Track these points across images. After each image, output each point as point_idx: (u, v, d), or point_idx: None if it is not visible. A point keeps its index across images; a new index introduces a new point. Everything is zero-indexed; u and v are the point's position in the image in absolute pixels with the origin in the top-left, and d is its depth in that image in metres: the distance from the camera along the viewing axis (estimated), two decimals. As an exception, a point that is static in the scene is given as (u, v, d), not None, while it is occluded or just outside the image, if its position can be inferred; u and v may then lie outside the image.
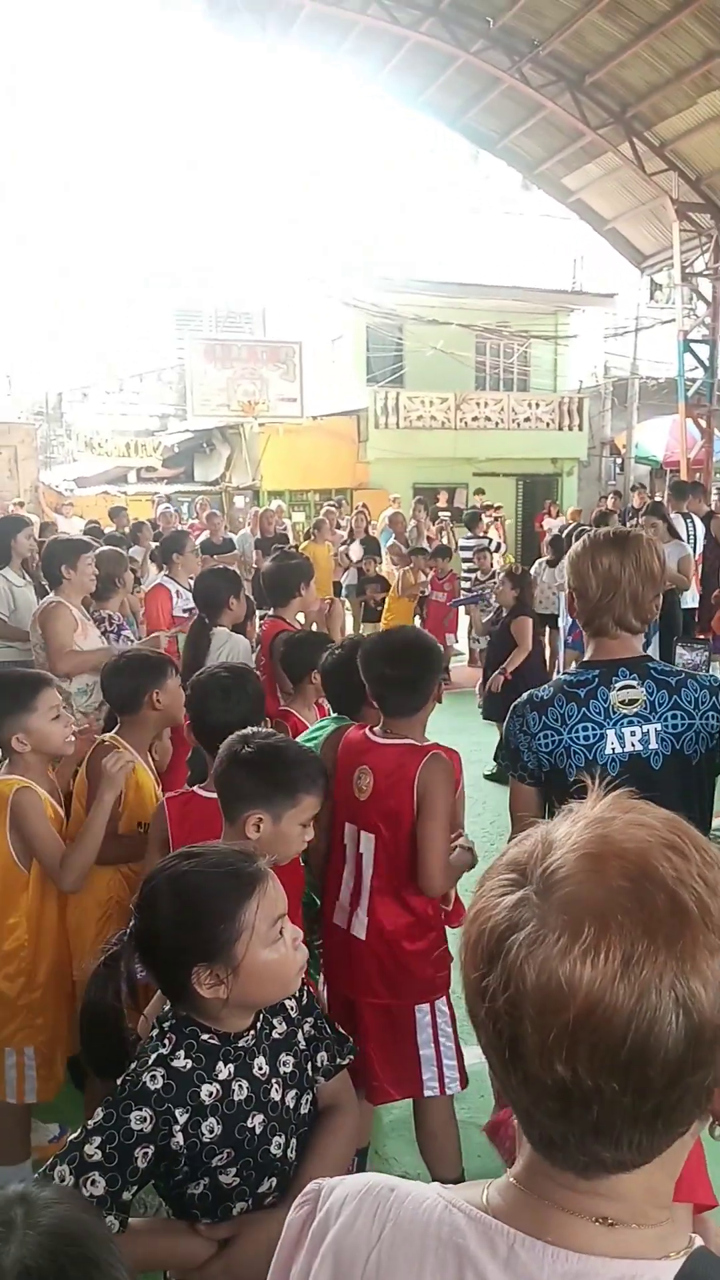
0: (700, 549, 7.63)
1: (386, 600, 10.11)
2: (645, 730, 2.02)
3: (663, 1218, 0.73)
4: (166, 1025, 1.50)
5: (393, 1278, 0.76)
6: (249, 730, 2.00)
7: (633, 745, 2.02)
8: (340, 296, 19.20)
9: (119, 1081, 1.44)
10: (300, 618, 4.95)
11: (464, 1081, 2.51)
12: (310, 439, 19.39)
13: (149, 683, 2.78)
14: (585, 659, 2.15)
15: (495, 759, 6.25)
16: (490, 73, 16.26)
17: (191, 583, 5.06)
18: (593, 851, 0.71)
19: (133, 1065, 1.46)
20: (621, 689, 2.04)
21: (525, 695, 2.13)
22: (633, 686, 2.04)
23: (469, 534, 10.92)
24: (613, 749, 2.02)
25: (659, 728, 2.02)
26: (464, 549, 10.64)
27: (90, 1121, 1.40)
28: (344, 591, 11.21)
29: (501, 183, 24.52)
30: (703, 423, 18.27)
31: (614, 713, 2.02)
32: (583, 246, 22.02)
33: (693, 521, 7.79)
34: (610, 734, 2.02)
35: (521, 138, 18.23)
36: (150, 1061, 1.44)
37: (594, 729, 2.02)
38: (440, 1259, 0.74)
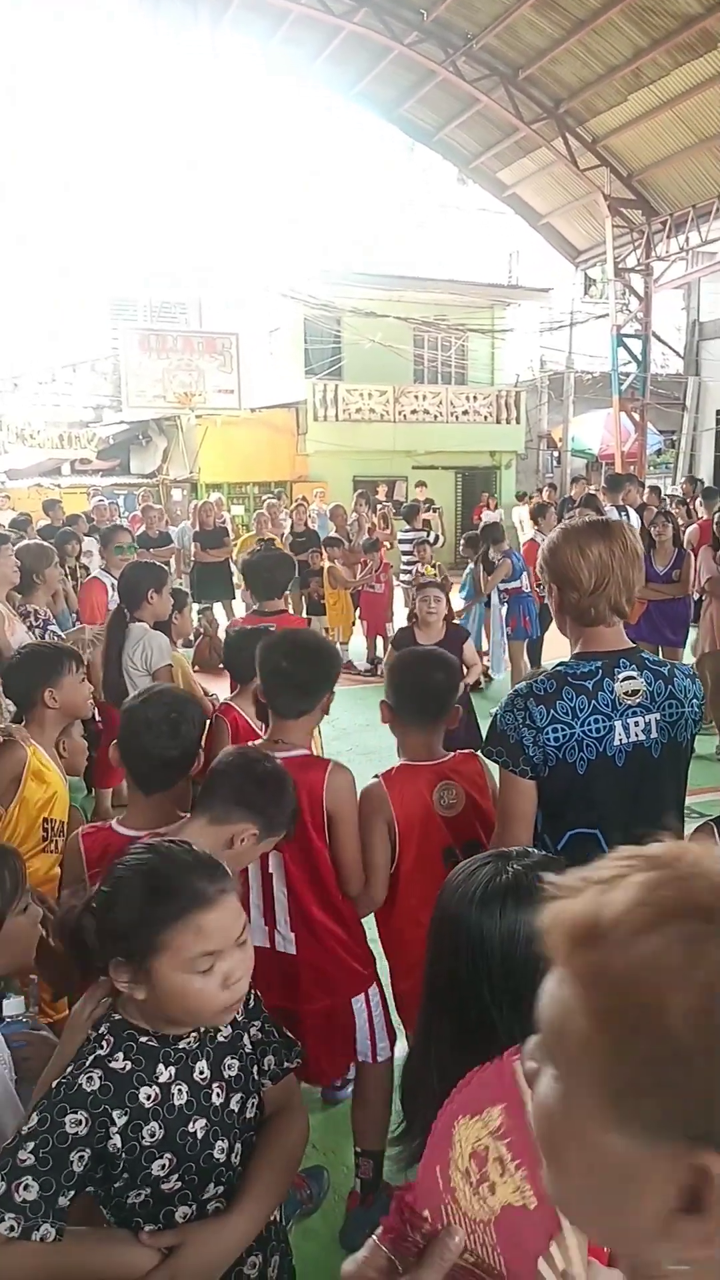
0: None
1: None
2: (647, 720, 2.05)
3: None
4: (104, 1028, 1.46)
5: None
6: (255, 747, 2.05)
7: (637, 735, 2.05)
8: (277, 288, 19.08)
9: (53, 1084, 1.40)
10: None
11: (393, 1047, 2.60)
12: (249, 431, 19.25)
13: (41, 679, 2.74)
14: (581, 650, 2.12)
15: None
16: (425, 65, 16.28)
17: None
18: None
19: (69, 1068, 1.42)
20: (625, 680, 2.05)
21: (524, 686, 2.09)
22: (634, 677, 2.06)
23: (407, 527, 10.95)
24: (620, 740, 2.03)
25: (658, 717, 2.06)
26: (403, 541, 10.67)
27: (24, 1126, 1.37)
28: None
29: (438, 177, 24.59)
30: (636, 416, 18.60)
31: (620, 704, 2.04)
32: (519, 241, 22.23)
33: (626, 513, 7.92)
34: (618, 725, 2.03)
35: (457, 131, 18.31)
36: (87, 1063, 1.41)
37: (604, 721, 2.03)
38: None
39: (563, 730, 2.01)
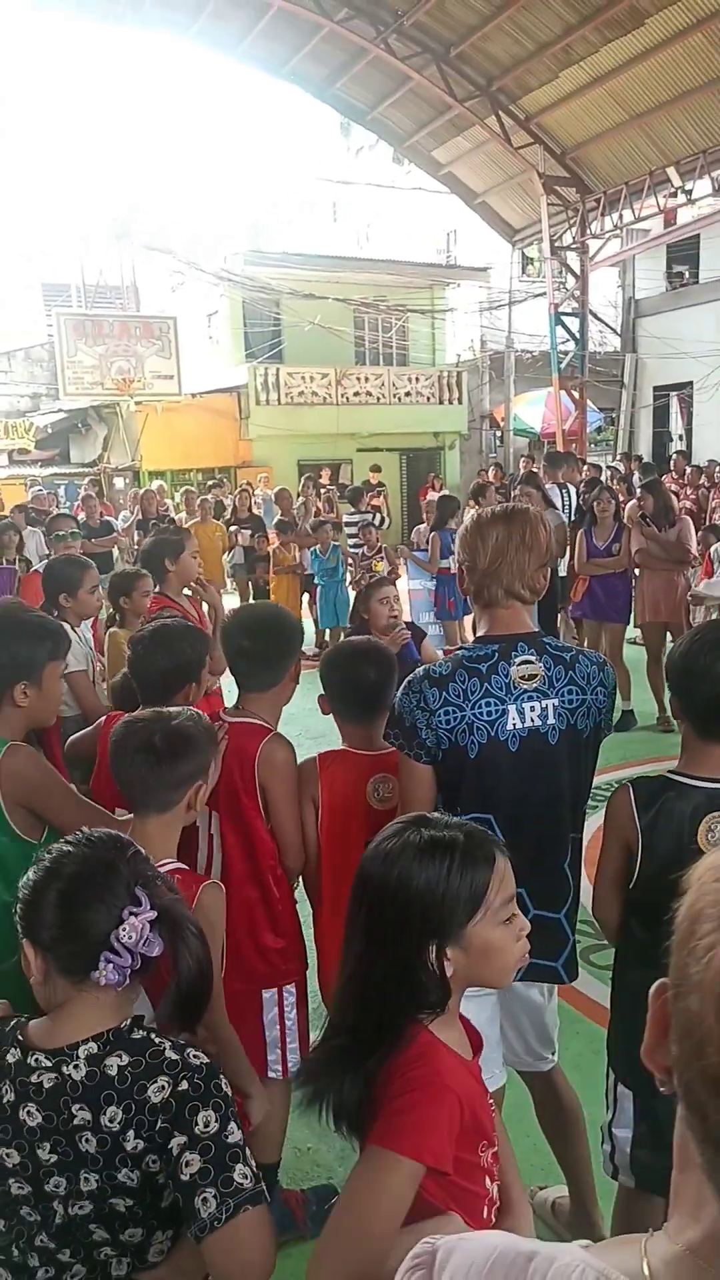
0: (573, 518, 7.83)
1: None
2: (544, 705, 2.05)
3: None
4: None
5: None
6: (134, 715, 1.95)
7: (532, 720, 2.04)
8: (213, 271, 18.84)
9: None
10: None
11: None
12: (190, 417, 19.02)
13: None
14: (481, 634, 2.15)
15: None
16: (356, 43, 16.11)
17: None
18: None
19: None
20: (521, 664, 2.05)
21: (422, 670, 2.11)
22: (531, 661, 2.06)
23: (352, 510, 10.93)
24: (513, 724, 2.03)
25: (556, 703, 2.05)
26: (348, 524, 10.64)
27: None
28: (232, 571, 11.08)
29: (375, 156, 24.44)
30: (575, 394, 18.74)
31: (515, 688, 2.04)
32: (457, 221, 22.20)
33: (567, 491, 7.98)
34: (511, 709, 2.03)
35: (390, 110, 18.17)
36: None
37: (496, 704, 2.03)
38: None
39: (454, 713, 2.01)
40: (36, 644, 2.25)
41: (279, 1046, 2.49)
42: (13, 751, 2.13)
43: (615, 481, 11.44)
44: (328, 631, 9.68)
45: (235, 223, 23.93)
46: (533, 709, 2.04)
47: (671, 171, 16.05)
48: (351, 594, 9.60)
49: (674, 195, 16.73)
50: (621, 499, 7.96)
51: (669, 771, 2.01)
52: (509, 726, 2.02)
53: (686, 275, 21.63)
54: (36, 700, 2.23)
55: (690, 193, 16.49)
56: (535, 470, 9.83)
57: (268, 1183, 2.56)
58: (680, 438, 20.96)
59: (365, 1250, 1.17)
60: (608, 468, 14.46)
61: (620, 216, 17.62)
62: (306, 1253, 2.45)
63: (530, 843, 2.01)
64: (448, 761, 2.05)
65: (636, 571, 7.11)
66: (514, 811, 2.02)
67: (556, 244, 18.09)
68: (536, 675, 2.05)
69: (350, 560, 9.87)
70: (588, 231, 18.04)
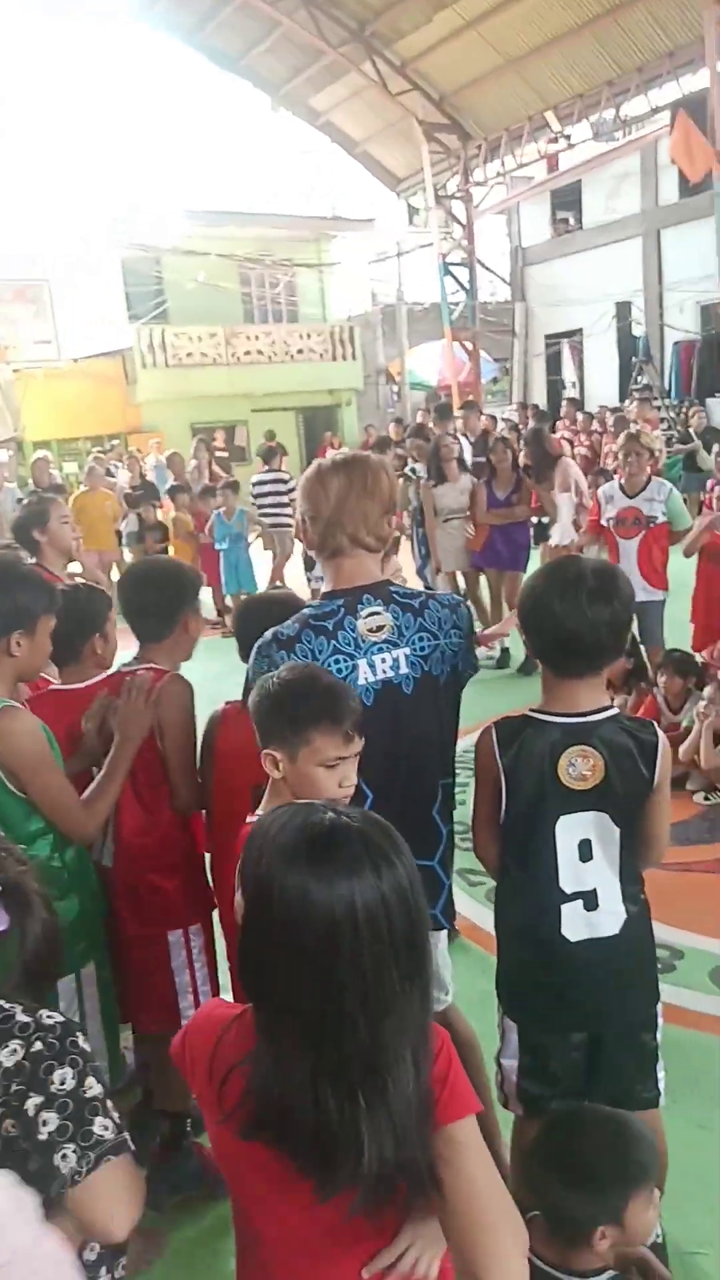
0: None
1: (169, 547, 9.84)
2: (395, 656, 2.02)
3: None
4: None
5: None
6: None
7: (384, 672, 2.02)
8: (87, 228, 18.12)
9: None
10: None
11: None
12: (74, 383, 18.37)
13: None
14: (326, 589, 2.11)
15: None
16: (222, -14, 15.60)
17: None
18: None
19: None
20: (368, 616, 2.01)
21: (270, 633, 2.06)
22: (379, 613, 2.02)
23: (266, 467, 10.53)
24: (365, 678, 2.00)
25: (408, 652, 2.02)
26: (260, 484, 10.32)
27: None
28: (124, 540, 10.79)
29: (252, 106, 23.78)
30: (469, 345, 18.76)
31: (363, 642, 2.00)
32: (342, 172, 21.86)
33: (460, 442, 8.00)
34: (362, 664, 2.00)
35: (263, 56, 17.66)
36: None
37: (345, 660, 1.99)
38: None
39: None
40: (35, 595, 2.27)
41: (190, 991, 2.50)
42: (11, 715, 2.14)
43: (508, 431, 11.50)
44: (228, 598, 9.53)
45: (112, 179, 23.06)
46: (384, 661, 2.01)
47: (550, 116, 16.06)
48: (256, 558, 9.47)
49: (554, 141, 16.76)
50: (517, 449, 8.01)
51: (529, 710, 2.02)
52: (361, 681, 1.99)
53: (571, 222, 21.76)
54: (29, 652, 2.23)
55: (569, 138, 16.55)
56: (423, 423, 9.81)
57: (177, 1132, 2.60)
58: (573, 385, 21.23)
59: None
60: (503, 419, 14.55)
61: (503, 163, 17.58)
62: (222, 1213, 2.33)
63: (398, 793, 2.01)
64: None
65: (535, 520, 7.22)
66: (381, 764, 2.00)
67: (441, 193, 17.95)
68: (385, 626, 2.01)
69: (257, 524, 9.70)
70: (471, 179, 17.96)
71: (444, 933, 2.34)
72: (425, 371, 21.54)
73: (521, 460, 7.68)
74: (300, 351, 20.29)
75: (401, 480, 8.26)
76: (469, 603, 3.34)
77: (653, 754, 1.92)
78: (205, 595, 9.36)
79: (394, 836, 1.15)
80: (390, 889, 1.09)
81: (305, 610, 2.08)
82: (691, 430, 13.25)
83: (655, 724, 2.03)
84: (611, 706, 1.98)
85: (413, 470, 7.63)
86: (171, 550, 10.07)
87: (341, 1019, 1.06)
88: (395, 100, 16.72)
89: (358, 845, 1.10)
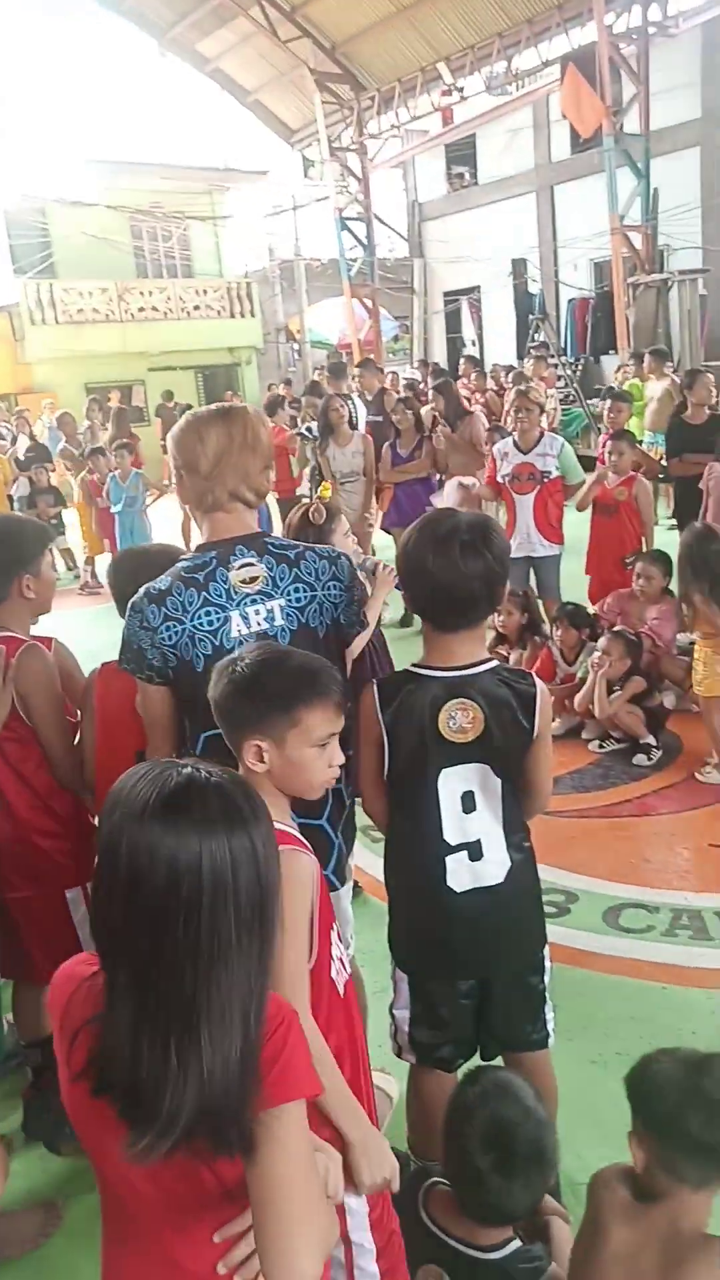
0: (362, 426, 7.80)
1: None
2: (269, 607, 1.97)
3: None
4: None
5: None
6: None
7: (258, 624, 1.97)
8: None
9: None
10: None
11: None
12: (-43, 341, 17.57)
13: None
14: (201, 542, 2.06)
15: None
16: None
17: None
18: None
19: None
20: (241, 567, 1.97)
21: (142, 590, 2.00)
22: (252, 564, 1.98)
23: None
24: (238, 631, 1.96)
25: (283, 603, 1.98)
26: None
27: None
28: (15, 504, 10.42)
29: (139, 50, 22.84)
30: (368, 302, 18.59)
31: (235, 593, 1.96)
32: (235, 121, 21.23)
33: (353, 401, 7.92)
34: (234, 615, 1.96)
35: (147, -3, 16.99)
36: None
37: (217, 613, 1.95)
38: None
39: (175, 628, 1.94)
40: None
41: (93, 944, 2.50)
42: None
43: (405, 389, 11.45)
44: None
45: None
46: (257, 613, 1.97)
47: (443, 68, 15.91)
48: (149, 522, 9.26)
49: (448, 93, 16.62)
50: (418, 408, 7.97)
51: (411, 665, 2.01)
52: (234, 633, 1.95)
53: (467, 177, 21.66)
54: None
55: (462, 90, 16.43)
56: (317, 380, 9.69)
57: (49, 1061, 2.55)
58: (473, 343, 21.27)
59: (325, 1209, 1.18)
60: (405, 378, 14.48)
61: (397, 115, 17.37)
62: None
63: None
64: (179, 679, 1.97)
65: (439, 477, 7.22)
66: None
67: (335, 145, 17.66)
68: (258, 577, 1.97)
69: (156, 487, 9.46)
70: (365, 132, 17.70)
71: (347, 888, 2.34)
72: (326, 329, 21.30)
73: (431, 410, 7.66)
74: (197, 308, 19.78)
75: (299, 439, 8.17)
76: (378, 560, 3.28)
77: (531, 704, 1.93)
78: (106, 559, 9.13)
79: (253, 798, 1.14)
80: (241, 849, 1.08)
81: (179, 563, 2.02)
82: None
83: (534, 674, 2.05)
84: (491, 659, 1.99)
85: (308, 430, 7.53)
86: (77, 515, 9.80)
87: (170, 970, 1.05)
88: (285, 48, 16.31)
89: (213, 801, 1.09)
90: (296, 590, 1.99)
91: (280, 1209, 1.08)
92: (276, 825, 1.33)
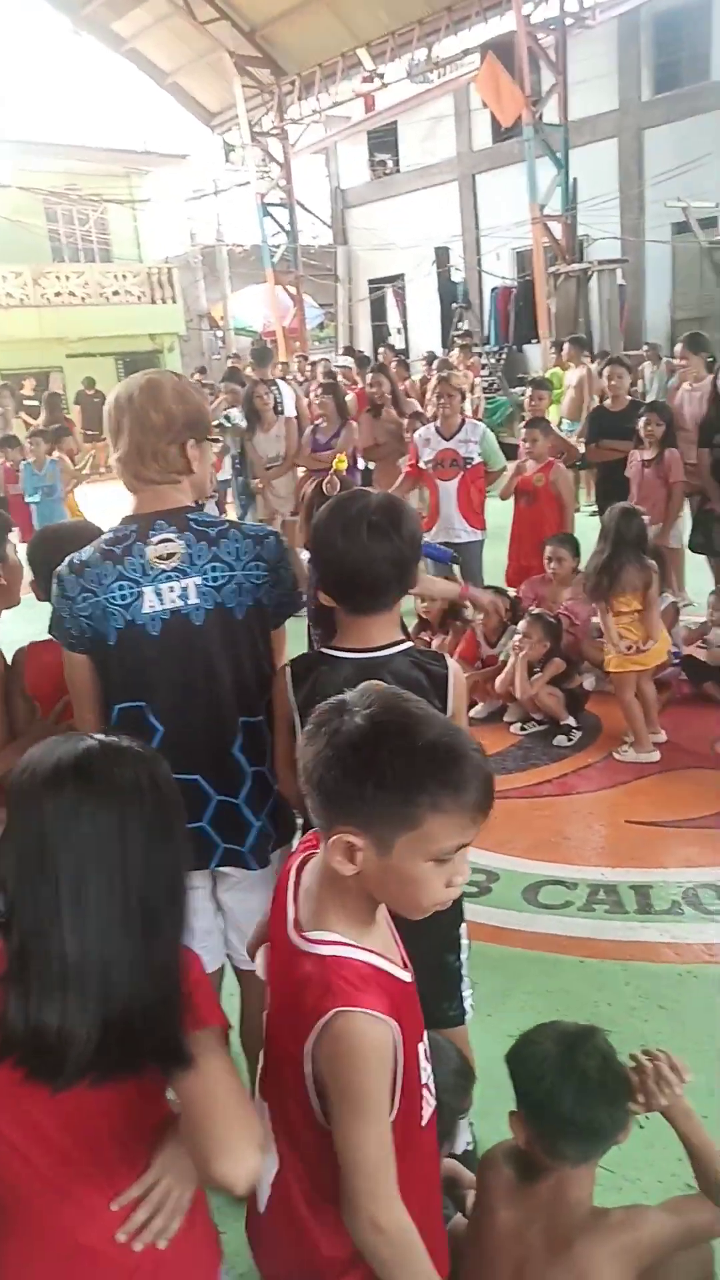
0: (290, 410, 7.75)
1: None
2: (184, 585, 1.95)
3: None
4: None
5: None
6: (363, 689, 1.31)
7: (172, 601, 1.95)
8: None
9: None
10: None
11: None
12: None
13: None
14: (126, 514, 2.04)
15: None
16: None
17: None
18: None
19: None
20: (160, 543, 1.94)
21: (66, 560, 1.98)
22: (170, 540, 1.95)
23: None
24: (151, 607, 1.94)
25: (199, 581, 1.96)
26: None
27: None
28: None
29: (53, 28, 22.21)
30: (292, 289, 18.47)
31: (151, 569, 1.94)
32: (154, 104, 20.82)
33: (278, 387, 7.86)
34: (148, 591, 1.94)
35: (59, -28, 16.54)
36: None
37: (130, 587, 1.93)
38: None
39: (90, 599, 1.94)
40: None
41: None
42: None
43: (326, 376, 11.40)
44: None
45: None
46: (171, 589, 1.94)
47: (363, 53, 15.86)
48: (67, 513, 9.06)
49: (369, 80, 16.58)
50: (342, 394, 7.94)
51: (322, 646, 2.01)
52: (146, 609, 1.93)
53: (389, 164, 21.66)
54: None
55: (383, 77, 16.40)
56: (236, 367, 9.60)
57: None
58: (398, 331, 21.32)
59: None
60: (337, 366, 14.41)
61: (318, 100, 17.26)
62: None
63: (198, 728, 1.98)
64: (95, 650, 1.97)
65: (364, 463, 7.22)
66: (172, 697, 1.96)
67: (256, 130, 17.46)
68: (175, 554, 1.94)
69: (74, 475, 9.26)
70: (286, 117, 17.54)
71: (269, 870, 2.32)
72: (250, 316, 21.09)
73: (372, 391, 7.64)
74: (116, 294, 19.39)
75: (217, 427, 8.08)
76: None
77: (443, 685, 1.94)
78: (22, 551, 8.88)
79: (156, 770, 1.19)
80: (145, 824, 1.14)
81: (102, 536, 2.00)
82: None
83: (447, 656, 2.06)
84: (404, 641, 1.99)
85: (227, 417, 7.46)
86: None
87: (59, 923, 1.10)
88: (203, 30, 16.05)
89: (128, 770, 1.15)
90: (214, 569, 1.97)
91: (224, 1108, 1.13)
92: (349, 954, 1.21)
